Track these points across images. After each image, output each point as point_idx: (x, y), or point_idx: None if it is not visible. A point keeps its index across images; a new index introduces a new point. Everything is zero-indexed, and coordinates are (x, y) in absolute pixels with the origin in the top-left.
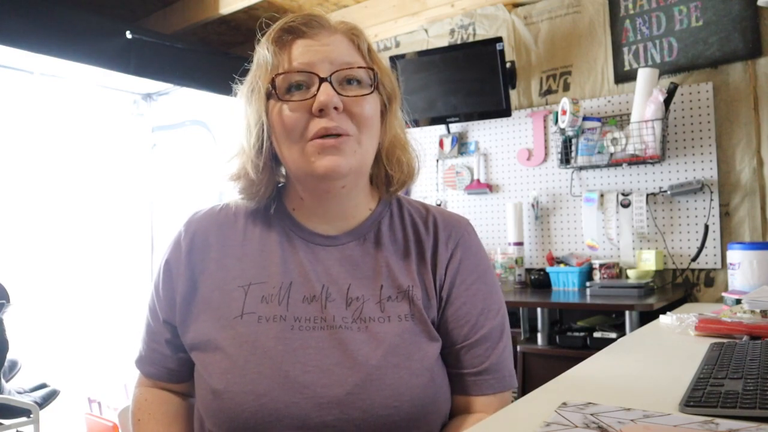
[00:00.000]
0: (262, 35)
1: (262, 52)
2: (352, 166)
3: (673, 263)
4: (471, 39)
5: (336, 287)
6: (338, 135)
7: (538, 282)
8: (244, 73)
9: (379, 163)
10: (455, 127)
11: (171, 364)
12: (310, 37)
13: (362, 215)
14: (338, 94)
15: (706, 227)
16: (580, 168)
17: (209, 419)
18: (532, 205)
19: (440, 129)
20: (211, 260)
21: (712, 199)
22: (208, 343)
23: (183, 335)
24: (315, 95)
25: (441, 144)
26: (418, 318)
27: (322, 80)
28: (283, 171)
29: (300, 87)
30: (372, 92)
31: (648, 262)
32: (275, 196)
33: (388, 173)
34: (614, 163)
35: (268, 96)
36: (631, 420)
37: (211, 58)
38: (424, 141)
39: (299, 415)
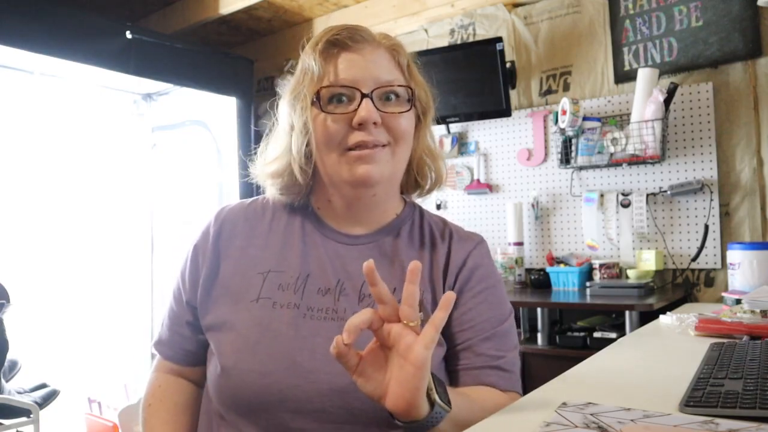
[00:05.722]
0: (307, 41)
1: (309, 62)
2: (384, 175)
3: (673, 263)
4: (471, 39)
5: (351, 283)
6: (374, 145)
7: (538, 282)
8: (245, 74)
9: (410, 171)
10: (455, 127)
11: (189, 346)
12: (354, 51)
13: (387, 219)
14: (378, 109)
15: (706, 227)
16: (580, 168)
17: (216, 397)
18: (532, 205)
19: (440, 129)
20: (236, 248)
21: (712, 199)
22: (223, 324)
23: (202, 317)
24: (356, 109)
25: (441, 144)
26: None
27: (363, 96)
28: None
29: (342, 100)
30: (409, 109)
31: (648, 262)
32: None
33: (418, 181)
34: (614, 163)
35: (311, 104)
36: (631, 420)
37: (211, 58)
38: None
39: (301, 399)
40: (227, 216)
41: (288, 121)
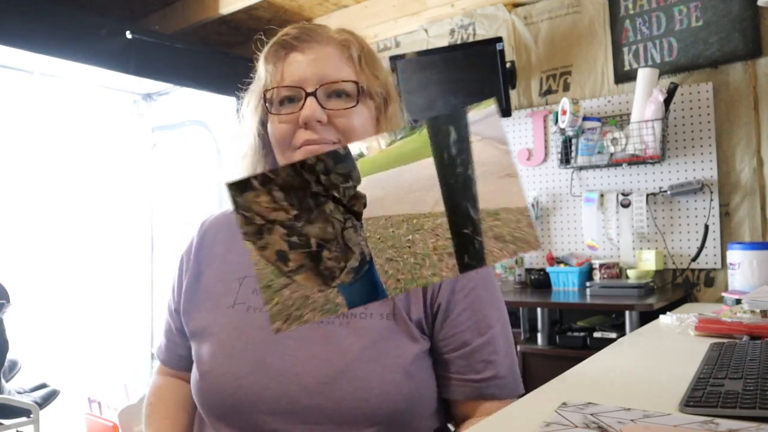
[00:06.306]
0: (263, 45)
1: (260, 66)
2: None
3: (673, 263)
4: (471, 39)
5: None
6: (322, 143)
7: (538, 282)
8: (245, 74)
9: None
10: None
11: (181, 351)
12: (300, 51)
13: None
14: (323, 107)
15: (706, 227)
16: (580, 168)
17: (197, 401)
18: (532, 205)
19: None
20: (217, 255)
21: (712, 199)
22: (204, 330)
23: (186, 324)
24: (301, 109)
25: None
26: (399, 318)
27: (308, 95)
28: None
29: (290, 100)
30: (356, 105)
31: (648, 262)
32: None
33: None
34: (614, 163)
35: (262, 107)
36: (631, 420)
37: (211, 58)
38: None
39: (272, 400)
40: (210, 225)
41: (248, 124)
